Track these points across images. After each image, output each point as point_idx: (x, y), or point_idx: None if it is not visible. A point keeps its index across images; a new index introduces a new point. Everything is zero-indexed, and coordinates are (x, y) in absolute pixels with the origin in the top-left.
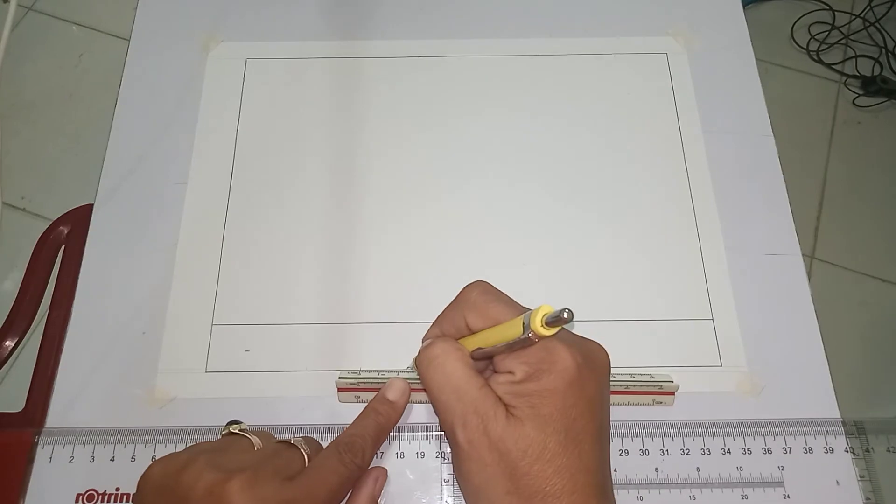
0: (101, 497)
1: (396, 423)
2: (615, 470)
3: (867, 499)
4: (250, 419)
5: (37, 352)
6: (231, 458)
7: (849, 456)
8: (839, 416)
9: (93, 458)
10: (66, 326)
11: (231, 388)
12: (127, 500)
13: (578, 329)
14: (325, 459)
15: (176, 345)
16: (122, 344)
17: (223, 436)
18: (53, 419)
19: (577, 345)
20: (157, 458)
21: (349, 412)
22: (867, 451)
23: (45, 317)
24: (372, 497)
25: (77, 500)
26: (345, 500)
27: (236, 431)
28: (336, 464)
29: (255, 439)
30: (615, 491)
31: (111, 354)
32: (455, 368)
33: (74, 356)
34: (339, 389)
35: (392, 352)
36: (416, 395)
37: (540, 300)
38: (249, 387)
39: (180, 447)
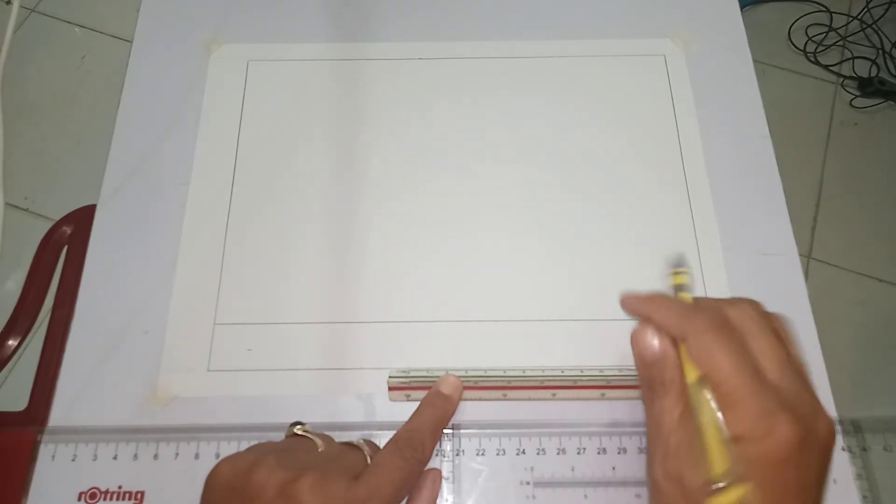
0: (103, 495)
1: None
2: (613, 468)
3: (864, 497)
4: (252, 418)
5: (40, 351)
6: (298, 457)
7: (846, 455)
8: (836, 415)
9: (95, 456)
10: (68, 326)
11: (233, 387)
12: (128, 498)
13: (576, 328)
14: (387, 457)
15: (178, 344)
16: (124, 343)
17: (287, 437)
18: (56, 418)
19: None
20: (204, 457)
21: (353, 410)
22: (864, 449)
23: (48, 316)
24: (432, 499)
25: (80, 499)
26: (404, 502)
27: (300, 433)
28: (397, 460)
29: (318, 440)
30: (613, 490)
31: (114, 353)
32: None
33: (77, 355)
34: (391, 388)
35: (395, 350)
36: (468, 393)
37: (537, 300)
38: (251, 386)
39: (183, 446)
